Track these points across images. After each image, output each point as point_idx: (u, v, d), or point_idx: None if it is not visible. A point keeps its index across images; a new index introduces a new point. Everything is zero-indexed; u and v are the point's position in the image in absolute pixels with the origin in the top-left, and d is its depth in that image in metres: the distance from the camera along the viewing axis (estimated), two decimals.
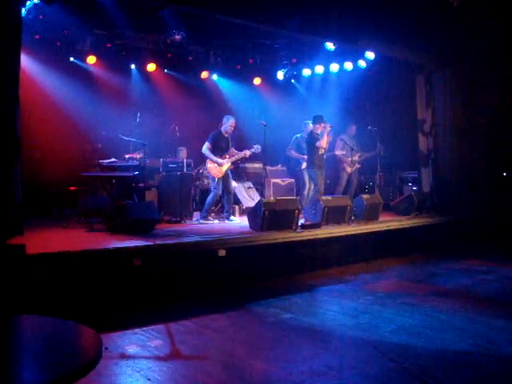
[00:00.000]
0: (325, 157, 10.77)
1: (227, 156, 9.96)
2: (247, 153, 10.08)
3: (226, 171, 9.98)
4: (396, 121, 12.86)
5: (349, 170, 12.03)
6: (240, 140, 10.39)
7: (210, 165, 9.87)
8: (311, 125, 10.77)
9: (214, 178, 9.90)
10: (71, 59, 11.62)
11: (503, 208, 11.53)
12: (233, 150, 10.06)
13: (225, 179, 9.98)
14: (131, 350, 5.08)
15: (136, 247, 6.87)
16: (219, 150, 9.91)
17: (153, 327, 5.74)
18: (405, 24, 10.40)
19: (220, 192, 9.93)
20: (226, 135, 10.04)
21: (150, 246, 6.99)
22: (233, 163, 10.24)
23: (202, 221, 9.84)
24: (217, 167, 9.84)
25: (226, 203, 10.07)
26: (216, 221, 10.01)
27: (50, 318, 3.41)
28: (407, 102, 12.54)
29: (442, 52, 11.54)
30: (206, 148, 9.85)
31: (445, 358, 4.85)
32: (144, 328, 5.70)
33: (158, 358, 4.88)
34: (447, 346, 5.14)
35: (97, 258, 6.49)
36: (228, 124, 9.98)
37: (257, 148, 10.11)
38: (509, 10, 10.16)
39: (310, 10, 9.59)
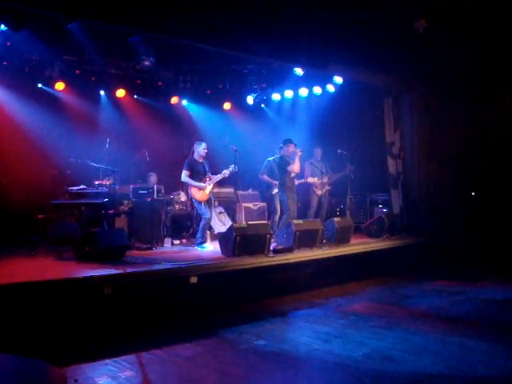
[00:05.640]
0: (296, 182, 10.85)
1: (207, 179, 9.95)
2: (226, 172, 10.03)
3: (210, 195, 10.04)
4: (365, 144, 12.97)
5: (319, 192, 12.05)
6: (211, 165, 10.38)
7: (193, 190, 9.83)
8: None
9: (200, 203, 9.83)
10: (39, 85, 11.49)
11: (472, 228, 11.66)
12: (209, 175, 10.04)
13: (210, 204, 10.05)
14: (101, 381, 4.97)
15: (106, 275, 6.77)
16: (198, 175, 9.89)
17: (124, 357, 5.64)
18: (372, 49, 10.54)
19: (209, 215, 9.89)
20: (201, 160, 10.04)
21: (121, 274, 6.91)
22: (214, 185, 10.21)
23: (198, 248, 9.69)
24: (200, 191, 9.81)
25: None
26: (211, 246, 9.85)
27: (11, 356, 3.30)
28: (376, 125, 12.67)
29: (408, 76, 11.71)
30: (184, 176, 9.83)
31: (419, 382, 4.85)
32: (115, 358, 5.59)
33: None
34: (421, 370, 5.13)
35: (66, 287, 6.38)
36: (200, 149, 9.99)
37: (234, 168, 10.09)
38: (474, 38, 10.39)
39: (279, 35, 9.67)
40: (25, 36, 9.13)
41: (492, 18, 9.60)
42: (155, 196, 10.64)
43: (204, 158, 10.10)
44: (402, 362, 5.34)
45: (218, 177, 10.06)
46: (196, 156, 10.06)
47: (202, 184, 9.83)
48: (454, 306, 7.90)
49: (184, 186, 10.91)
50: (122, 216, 10.32)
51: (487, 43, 10.43)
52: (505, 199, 11.43)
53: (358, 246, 10.26)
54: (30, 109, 11.05)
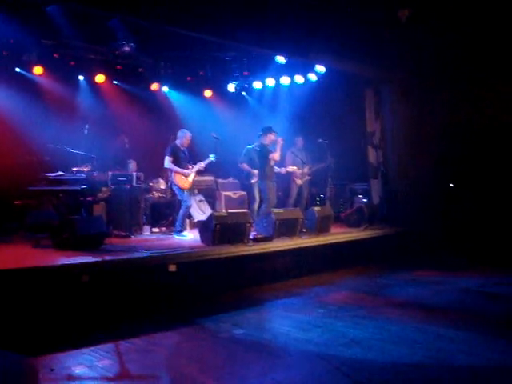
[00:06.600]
0: (277, 169, 10.82)
1: (189, 167, 9.89)
2: (207, 161, 10.08)
3: (193, 183, 9.99)
4: (346, 133, 12.97)
5: (299, 182, 12.05)
6: (191, 153, 10.31)
7: (177, 177, 9.75)
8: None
9: (182, 191, 9.77)
10: (17, 70, 11.29)
11: (451, 218, 11.74)
12: (189, 165, 9.99)
13: (191, 191, 10.02)
14: (78, 370, 4.90)
15: (84, 263, 6.72)
16: (180, 162, 9.84)
17: (101, 346, 5.57)
18: (354, 38, 10.54)
19: (190, 203, 9.86)
20: (183, 148, 9.98)
21: (99, 262, 6.85)
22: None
23: (176, 236, 9.65)
24: (184, 178, 9.77)
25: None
26: (191, 234, 9.82)
27: None
28: (357, 114, 12.70)
29: (389, 65, 11.71)
30: (168, 162, 9.74)
31: (398, 371, 4.85)
32: (92, 347, 5.52)
33: (106, 379, 4.71)
34: (400, 359, 5.14)
35: (43, 275, 6.29)
36: (184, 138, 9.94)
37: (214, 157, 10.05)
38: (455, 28, 10.42)
39: (261, 22, 9.60)
40: (2, 19, 8.95)
41: (474, 8, 9.63)
42: (134, 183, 10.54)
43: (185, 146, 10.04)
44: (381, 352, 5.34)
45: (201, 164, 10.02)
46: (178, 143, 9.98)
47: (186, 171, 9.78)
48: (433, 296, 7.93)
49: (164, 174, 10.83)
50: (101, 203, 10.22)
51: (468, 32, 10.48)
52: (486, 189, 11.51)
53: (337, 235, 10.29)
54: (7, 93, 10.84)
